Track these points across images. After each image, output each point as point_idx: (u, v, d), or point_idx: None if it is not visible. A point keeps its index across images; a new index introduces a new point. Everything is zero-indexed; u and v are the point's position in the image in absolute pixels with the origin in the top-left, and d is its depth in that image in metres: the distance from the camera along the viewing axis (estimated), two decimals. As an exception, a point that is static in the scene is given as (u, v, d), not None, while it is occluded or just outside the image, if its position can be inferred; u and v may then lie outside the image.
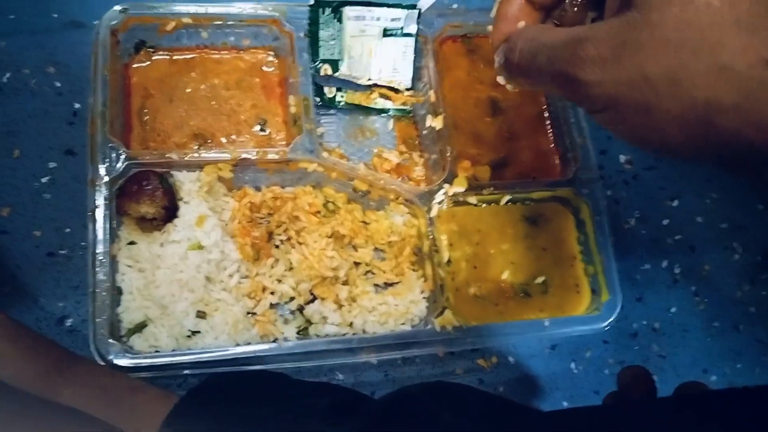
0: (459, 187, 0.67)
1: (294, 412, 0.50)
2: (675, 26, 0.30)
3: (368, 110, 0.73)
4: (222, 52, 0.70)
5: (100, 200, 0.59)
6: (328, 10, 0.68)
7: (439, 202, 0.67)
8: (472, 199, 0.68)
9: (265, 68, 0.71)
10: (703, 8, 0.30)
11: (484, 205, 0.70)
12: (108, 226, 0.58)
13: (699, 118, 0.31)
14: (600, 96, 0.33)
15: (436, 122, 0.69)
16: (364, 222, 0.69)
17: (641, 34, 0.31)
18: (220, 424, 0.49)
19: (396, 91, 0.72)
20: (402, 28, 0.70)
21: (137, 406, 0.50)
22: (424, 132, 0.72)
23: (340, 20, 0.69)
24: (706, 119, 0.31)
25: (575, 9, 0.39)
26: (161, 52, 0.69)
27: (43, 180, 0.65)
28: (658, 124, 0.32)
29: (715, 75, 0.30)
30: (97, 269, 0.57)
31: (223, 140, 0.68)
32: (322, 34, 0.69)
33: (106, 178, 0.59)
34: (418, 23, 0.70)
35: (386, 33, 0.70)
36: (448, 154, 0.67)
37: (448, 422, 0.50)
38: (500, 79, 0.42)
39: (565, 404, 0.70)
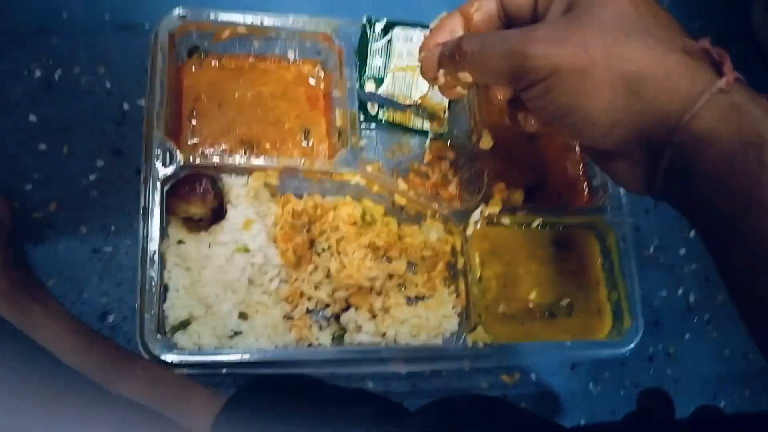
0: (494, 208, 0.69)
1: (340, 417, 0.52)
2: (613, 15, 0.38)
3: (406, 128, 0.75)
4: (270, 62, 0.72)
5: (153, 198, 0.60)
6: (378, 29, 0.71)
7: (476, 222, 0.69)
8: (506, 221, 0.71)
9: (311, 80, 0.73)
10: (633, 10, 0.39)
11: (515, 226, 0.72)
12: (160, 224, 0.60)
13: (624, 85, 0.37)
14: (545, 66, 0.39)
15: (475, 144, 0.71)
16: (398, 236, 0.71)
17: (585, 20, 0.39)
18: (269, 426, 0.51)
19: (434, 112, 0.75)
20: (446, 50, 0.73)
21: (189, 402, 0.51)
22: (460, 152, 0.75)
23: (389, 40, 0.71)
24: (630, 87, 0.37)
25: None
26: (212, 58, 0.70)
27: (91, 178, 0.66)
28: (588, 89, 0.38)
29: (642, 54, 0.37)
30: (147, 266, 0.58)
31: (268, 147, 0.70)
32: (371, 51, 0.71)
33: (160, 177, 0.61)
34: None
35: (430, 54, 0.73)
36: (486, 176, 0.70)
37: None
38: (441, 77, 0.48)
39: (583, 422, 0.72)
